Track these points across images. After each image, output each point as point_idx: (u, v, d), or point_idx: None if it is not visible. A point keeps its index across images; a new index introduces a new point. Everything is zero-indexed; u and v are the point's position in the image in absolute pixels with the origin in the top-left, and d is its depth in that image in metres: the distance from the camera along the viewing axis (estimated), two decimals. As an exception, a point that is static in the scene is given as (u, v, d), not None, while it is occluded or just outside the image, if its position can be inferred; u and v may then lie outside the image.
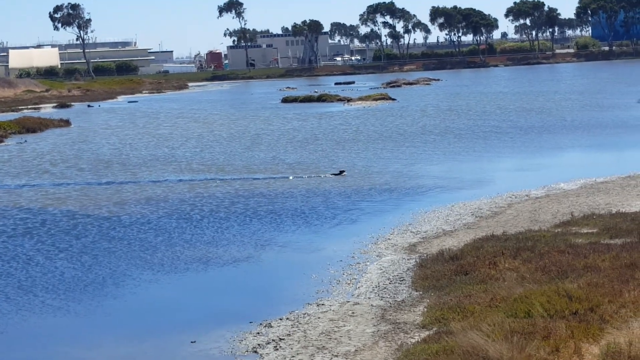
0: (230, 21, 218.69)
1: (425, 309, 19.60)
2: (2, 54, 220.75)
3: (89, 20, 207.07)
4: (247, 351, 18.48)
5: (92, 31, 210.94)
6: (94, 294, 24.57)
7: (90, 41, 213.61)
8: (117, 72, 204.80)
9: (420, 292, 21.20)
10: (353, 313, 20.31)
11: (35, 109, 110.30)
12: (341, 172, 44.28)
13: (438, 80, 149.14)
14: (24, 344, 20.90)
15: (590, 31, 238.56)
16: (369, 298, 21.50)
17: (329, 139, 61.77)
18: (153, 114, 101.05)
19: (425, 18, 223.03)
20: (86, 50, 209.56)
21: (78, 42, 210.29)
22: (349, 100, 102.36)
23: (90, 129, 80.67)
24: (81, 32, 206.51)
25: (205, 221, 33.66)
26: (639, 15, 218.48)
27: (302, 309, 21.11)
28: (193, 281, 25.51)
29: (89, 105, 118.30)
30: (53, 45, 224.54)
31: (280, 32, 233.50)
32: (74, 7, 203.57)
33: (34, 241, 31.43)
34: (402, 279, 22.87)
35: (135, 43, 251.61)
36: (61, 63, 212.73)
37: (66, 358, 19.58)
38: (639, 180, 35.80)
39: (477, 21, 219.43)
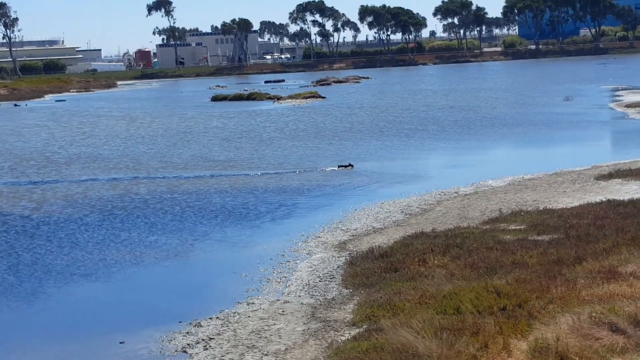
0: (160, 19, 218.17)
1: (356, 307, 19.62)
2: None
3: (16, 19, 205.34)
4: (176, 351, 18.39)
5: (19, 30, 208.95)
6: (18, 294, 24.30)
7: (17, 40, 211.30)
8: (45, 70, 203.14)
9: (351, 290, 21.22)
10: (283, 311, 20.28)
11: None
12: (349, 165, 44.70)
13: (367, 78, 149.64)
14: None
15: (517, 30, 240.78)
16: (299, 296, 21.49)
17: (256, 137, 61.56)
18: (80, 112, 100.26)
19: (354, 17, 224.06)
20: (13, 49, 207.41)
21: (4, 40, 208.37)
22: (278, 98, 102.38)
23: (18, 128, 79.76)
24: (7, 31, 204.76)
25: (131, 220, 33.43)
26: (565, 15, 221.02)
27: (232, 307, 21.05)
28: (122, 280, 25.31)
29: (15, 104, 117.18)
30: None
31: (209, 30, 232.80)
32: (0, 6, 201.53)
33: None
34: (332, 276, 22.89)
35: (62, 41, 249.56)
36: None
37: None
38: (565, 177, 36.13)
39: (406, 20, 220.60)
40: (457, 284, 19.43)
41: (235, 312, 20.58)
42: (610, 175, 34.97)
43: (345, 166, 44.29)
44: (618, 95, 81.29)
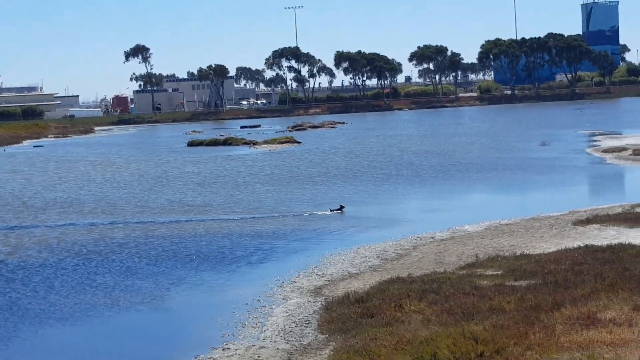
0: (137, 66, 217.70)
1: (332, 353, 19.51)
2: None
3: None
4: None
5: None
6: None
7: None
8: (23, 116, 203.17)
9: (327, 335, 21.12)
10: (259, 357, 20.18)
11: None
12: (341, 207, 44.49)
13: (343, 123, 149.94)
14: None
15: (493, 75, 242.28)
16: (275, 341, 21.38)
17: (232, 182, 61.47)
18: (57, 158, 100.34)
19: (330, 62, 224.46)
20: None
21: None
22: (254, 143, 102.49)
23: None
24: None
25: (107, 264, 33.24)
26: (541, 60, 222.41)
27: (207, 353, 20.94)
28: (97, 325, 25.12)
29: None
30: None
31: (186, 76, 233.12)
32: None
33: None
34: (308, 322, 22.77)
35: (41, 88, 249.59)
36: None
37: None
38: (542, 222, 36.12)
39: (382, 66, 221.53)
40: (433, 330, 19.35)
41: (210, 357, 20.47)
42: (588, 221, 34.98)
43: (337, 209, 44.17)
44: (595, 141, 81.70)
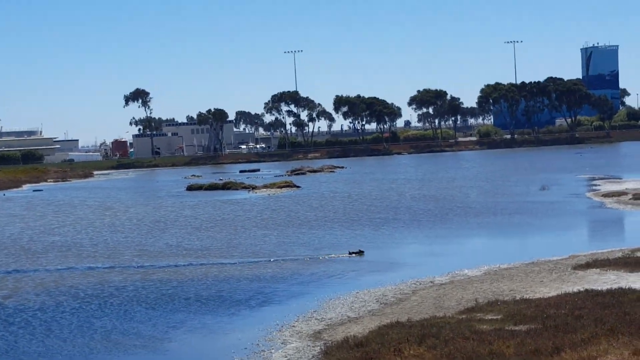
0: (137, 110, 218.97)
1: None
2: None
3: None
4: None
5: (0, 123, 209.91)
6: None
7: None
8: (23, 160, 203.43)
9: (325, 383, 21.12)
10: (258, 403, 20.15)
11: None
12: (360, 251, 44.60)
13: (342, 167, 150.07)
14: None
15: (492, 119, 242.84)
16: (274, 386, 21.36)
17: (230, 226, 61.49)
18: (56, 202, 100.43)
19: (329, 106, 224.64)
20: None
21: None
22: (253, 187, 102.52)
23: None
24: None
25: (106, 308, 33.22)
26: (540, 105, 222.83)
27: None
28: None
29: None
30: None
31: (185, 120, 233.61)
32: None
33: None
34: (306, 368, 22.77)
35: (40, 132, 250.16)
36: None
37: None
38: (542, 266, 36.14)
39: (381, 110, 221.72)
40: (434, 375, 19.35)
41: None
42: (588, 265, 35.01)
43: (357, 253, 44.31)
44: (595, 185, 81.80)
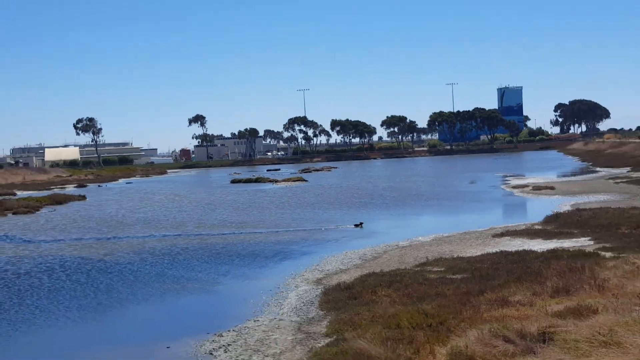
0: (197, 128, 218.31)
1: (328, 323, 19.51)
2: (39, 151, 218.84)
3: (100, 128, 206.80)
4: (205, 353, 18.28)
5: (102, 136, 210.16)
6: (98, 311, 24.13)
7: (100, 142, 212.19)
8: (119, 163, 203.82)
9: (325, 312, 21.14)
10: (278, 326, 20.14)
11: (62, 188, 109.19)
12: (360, 223, 44.45)
13: (336, 168, 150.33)
14: (43, 346, 20.33)
15: (437, 136, 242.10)
16: (290, 316, 21.38)
17: (259, 206, 61.49)
18: (141, 191, 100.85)
19: (327, 126, 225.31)
20: (98, 148, 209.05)
21: (92, 143, 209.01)
22: (276, 181, 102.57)
23: (99, 201, 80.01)
24: (94, 136, 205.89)
25: (175, 262, 33.19)
26: (470, 126, 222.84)
27: (243, 323, 20.91)
28: (169, 304, 25.20)
29: (99, 185, 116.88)
30: (75, 145, 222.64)
31: (230, 135, 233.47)
32: (90, 120, 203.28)
33: (54, 275, 30.84)
34: (312, 302, 22.79)
35: (131, 143, 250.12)
36: (80, 157, 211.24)
37: (75, 355, 19.06)
38: (471, 235, 36.11)
39: (362, 129, 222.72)
40: (397, 308, 19.31)
41: (245, 327, 20.43)
42: (502, 234, 35.02)
43: (358, 225, 44.15)
44: (506, 180, 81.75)
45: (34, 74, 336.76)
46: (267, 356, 17.32)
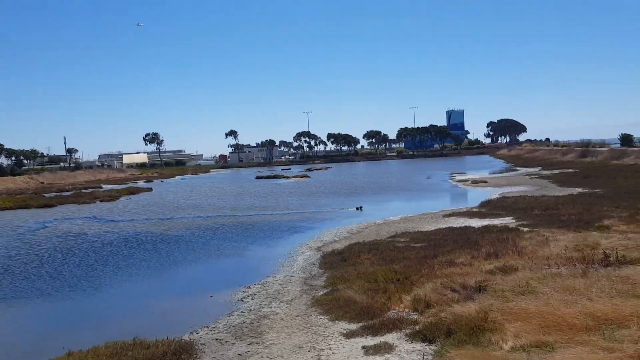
0: (231, 140, 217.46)
1: (325, 279, 19.52)
2: (119, 156, 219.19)
3: (162, 140, 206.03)
4: (238, 300, 18.30)
5: (163, 145, 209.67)
6: (160, 269, 24.18)
7: (162, 150, 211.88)
8: (175, 164, 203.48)
9: (323, 270, 21.15)
10: (290, 281, 20.16)
11: (134, 183, 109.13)
12: (360, 207, 43.76)
13: (331, 167, 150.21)
14: (122, 296, 20.35)
15: (403, 144, 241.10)
16: (298, 273, 21.40)
17: (276, 195, 61.39)
18: (191, 184, 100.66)
19: (325, 138, 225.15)
20: (160, 154, 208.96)
21: (156, 150, 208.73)
22: (288, 177, 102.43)
23: (161, 192, 79.84)
24: (158, 146, 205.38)
25: (216, 235, 33.24)
26: (427, 137, 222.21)
27: (265, 279, 20.94)
28: (212, 264, 25.24)
29: (161, 181, 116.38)
30: (144, 152, 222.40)
31: (254, 144, 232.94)
32: (155, 134, 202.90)
33: (129, 246, 30.83)
34: (314, 263, 22.81)
35: (184, 150, 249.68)
36: (148, 161, 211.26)
37: (136, 304, 19.07)
38: (427, 215, 36.01)
39: (350, 140, 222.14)
40: (375, 268, 19.34)
41: (266, 281, 20.46)
42: (450, 215, 34.96)
43: (358, 208, 43.57)
44: (453, 176, 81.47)
45: (117, 100, 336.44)
46: (282, 302, 17.34)
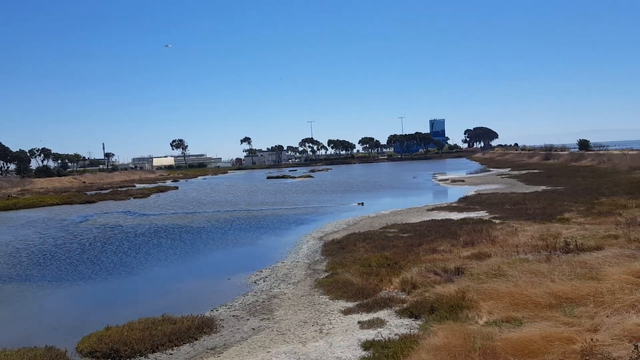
0: (245, 145, 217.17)
1: (327, 264, 19.48)
2: (149, 160, 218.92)
3: (187, 145, 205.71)
4: (251, 282, 18.26)
5: (187, 150, 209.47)
6: (182, 257, 24.14)
7: (187, 154, 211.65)
8: (198, 167, 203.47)
9: (324, 257, 21.10)
10: (296, 266, 20.12)
11: (163, 182, 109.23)
12: (362, 203, 43.07)
13: (331, 169, 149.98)
14: (152, 278, 20.30)
15: (393, 149, 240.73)
16: (303, 259, 21.36)
17: (283, 192, 61.32)
18: (211, 183, 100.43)
19: (326, 143, 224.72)
20: (185, 158, 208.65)
21: (182, 154, 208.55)
22: (294, 177, 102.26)
23: (186, 190, 79.79)
24: (183, 150, 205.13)
25: (233, 227, 33.20)
26: (413, 143, 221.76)
27: (274, 264, 20.91)
28: (229, 252, 25.15)
29: (186, 181, 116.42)
30: (171, 156, 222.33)
31: (265, 149, 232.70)
32: (180, 140, 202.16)
33: (158, 236, 30.84)
34: (317, 251, 22.75)
35: (205, 154, 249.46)
36: (175, 163, 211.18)
37: (165, 286, 19.05)
38: (414, 209, 35.87)
39: (347, 145, 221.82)
40: (369, 254, 19.31)
41: (276, 266, 20.42)
42: (433, 209, 34.83)
43: (360, 203, 43.00)
44: (435, 176, 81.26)
45: (148, 110, 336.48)
46: (289, 284, 17.32)
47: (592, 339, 8.71)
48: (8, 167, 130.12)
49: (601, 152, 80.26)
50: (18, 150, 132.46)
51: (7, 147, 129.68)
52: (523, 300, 11.45)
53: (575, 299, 11.15)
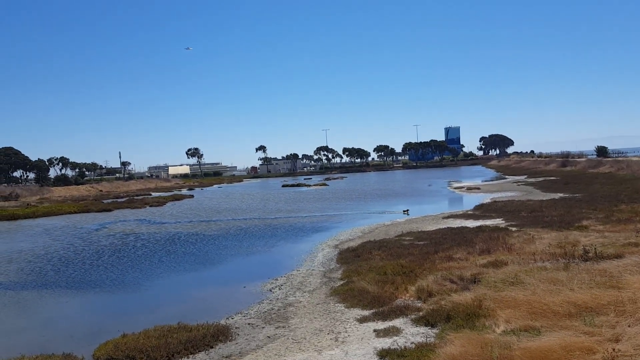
0: (260, 153, 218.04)
1: (342, 272, 19.41)
2: (165, 168, 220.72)
3: (202, 154, 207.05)
4: (267, 290, 18.24)
5: (203, 158, 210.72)
6: (202, 263, 24.21)
7: (202, 162, 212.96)
8: (213, 175, 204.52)
9: (340, 265, 21.04)
10: (312, 274, 20.08)
11: (178, 190, 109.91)
12: (406, 210, 41.28)
13: (346, 177, 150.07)
14: (168, 286, 20.40)
15: (408, 157, 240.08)
16: (319, 267, 21.31)
17: (299, 200, 61.33)
18: (226, 192, 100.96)
19: (340, 151, 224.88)
20: (200, 166, 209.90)
21: (197, 163, 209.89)
22: (309, 185, 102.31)
23: (201, 198, 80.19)
24: (198, 159, 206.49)
25: (247, 235, 33.23)
26: (428, 151, 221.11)
27: (290, 272, 20.87)
28: (242, 260, 25.16)
29: (201, 189, 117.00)
30: (187, 165, 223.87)
31: (280, 157, 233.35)
32: (196, 149, 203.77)
33: (174, 244, 30.96)
34: (332, 259, 22.69)
35: (221, 163, 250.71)
36: (190, 172, 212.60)
37: (180, 293, 19.07)
38: (429, 217, 35.68)
39: (362, 153, 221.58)
40: (384, 262, 19.21)
41: (291, 274, 20.39)
42: (448, 217, 34.66)
43: (405, 211, 41.40)
44: (450, 184, 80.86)
45: (163, 119, 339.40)
46: (305, 292, 17.26)
47: (613, 349, 8.54)
48: (27, 176, 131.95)
49: (620, 158, 79.30)
50: (37, 159, 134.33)
51: (27, 157, 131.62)
52: (541, 308, 11.27)
53: (596, 308, 10.95)
